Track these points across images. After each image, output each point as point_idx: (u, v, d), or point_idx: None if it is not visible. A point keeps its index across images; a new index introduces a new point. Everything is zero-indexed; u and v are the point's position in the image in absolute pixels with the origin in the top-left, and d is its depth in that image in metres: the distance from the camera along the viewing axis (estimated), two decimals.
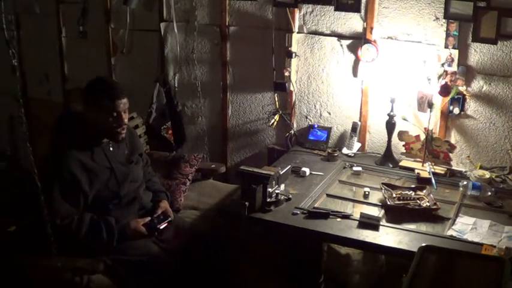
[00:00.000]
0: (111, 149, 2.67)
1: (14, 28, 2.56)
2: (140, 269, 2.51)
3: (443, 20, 3.06)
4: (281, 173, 2.75)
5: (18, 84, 2.46)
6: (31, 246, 2.55)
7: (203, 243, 2.81)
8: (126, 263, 2.51)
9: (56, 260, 2.41)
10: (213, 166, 3.52)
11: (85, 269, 2.47)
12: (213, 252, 2.82)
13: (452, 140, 3.19)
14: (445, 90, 3.00)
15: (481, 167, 3.10)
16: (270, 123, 3.55)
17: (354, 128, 3.36)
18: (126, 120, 2.61)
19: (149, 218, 2.68)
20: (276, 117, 3.54)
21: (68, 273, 2.47)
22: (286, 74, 3.48)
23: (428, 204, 2.66)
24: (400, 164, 3.17)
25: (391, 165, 3.17)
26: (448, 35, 3.06)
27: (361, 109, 3.39)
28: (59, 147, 2.57)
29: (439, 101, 3.10)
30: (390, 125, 3.16)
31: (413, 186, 2.85)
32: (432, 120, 3.09)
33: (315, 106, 3.54)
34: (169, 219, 2.74)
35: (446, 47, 3.07)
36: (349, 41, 3.34)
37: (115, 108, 2.54)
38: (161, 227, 2.67)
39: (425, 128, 3.08)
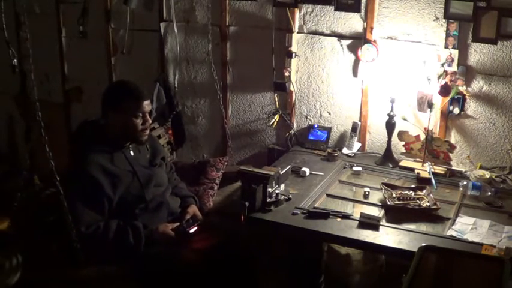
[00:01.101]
0: (131, 153, 2.65)
1: (27, 30, 2.54)
2: (170, 278, 2.45)
3: (443, 20, 3.06)
4: (281, 173, 2.74)
5: (33, 86, 2.43)
6: (61, 259, 2.48)
7: (236, 244, 2.76)
8: (153, 270, 2.45)
9: (85, 270, 2.37)
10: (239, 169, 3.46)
11: (114, 276, 2.42)
12: (246, 253, 2.77)
13: (452, 140, 3.19)
14: (445, 90, 3.00)
15: (481, 167, 3.10)
16: (270, 123, 3.55)
17: (354, 128, 3.36)
18: (149, 122, 2.63)
19: (178, 224, 2.63)
20: (276, 117, 3.54)
21: (97, 282, 2.41)
22: (286, 74, 3.48)
23: (428, 204, 2.66)
24: (400, 164, 3.17)
25: (391, 165, 3.17)
26: (448, 35, 3.06)
27: (361, 109, 3.39)
28: (79, 154, 2.54)
29: (439, 101, 3.10)
30: (390, 125, 3.16)
31: (413, 186, 2.85)
32: (432, 120, 3.09)
33: (315, 106, 3.54)
34: (199, 221, 2.69)
35: (446, 47, 3.07)
36: (349, 41, 3.34)
37: (141, 109, 2.57)
38: (191, 231, 2.61)
39: (425, 128, 3.08)
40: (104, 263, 2.44)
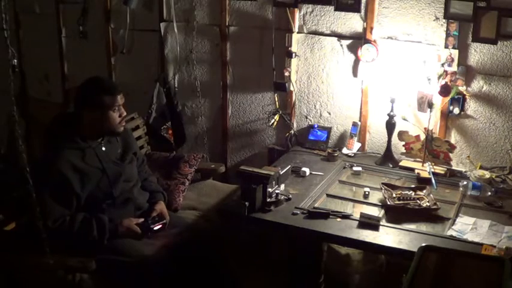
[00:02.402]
0: (103, 148, 2.71)
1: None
2: (131, 270, 2.51)
3: (443, 20, 3.06)
4: (281, 173, 2.74)
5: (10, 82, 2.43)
6: (25, 245, 2.56)
7: (203, 242, 2.81)
8: (117, 263, 2.52)
9: (48, 258, 2.43)
10: (212, 166, 3.52)
11: (77, 267, 2.48)
12: (213, 252, 2.82)
13: (452, 140, 3.19)
14: (445, 90, 3.00)
15: (481, 167, 3.10)
16: (270, 123, 3.55)
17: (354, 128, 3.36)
18: (124, 114, 2.70)
19: (143, 219, 2.69)
20: (276, 117, 3.54)
21: (60, 271, 2.49)
22: (286, 74, 3.48)
23: (428, 204, 2.66)
24: (400, 164, 3.17)
25: (391, 165, 3.17)
26: (448, 35, 3.06)
27: (361, 109, 3.39)
28: (51, 148, 2.61)
29: (439, 101, 3.10)
30: (390, 125, 3.16)
31: (413, 186, 2.85)
32: (432, 120, 3.09)
33: (315, 106, 3.54)
34: (164, 221, 2.74)
35: (446, 47, 3.07)
36: (349, 41, 3.34)
37: (117, 102, 2.64)
38: (155, 228, 2.67)
39: (425, 128, 3.08)
40: (68, 253, 2.51)
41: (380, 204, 2.72)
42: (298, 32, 3.46)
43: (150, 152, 3.47)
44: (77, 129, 2.65)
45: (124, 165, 2.77)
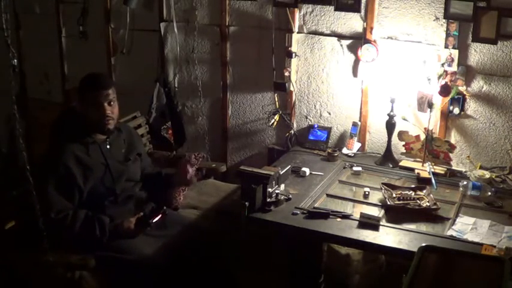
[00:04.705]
0: (108, 146, 2.73)
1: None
2: (130, 268, 2.52)
3: (443, 20, 3.06)
4: (281, 173, 2.74)
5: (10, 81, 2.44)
6: (26, 243, 2.58)
7: (202, 241, 2.81)
8: (117, 261, 2.53)
9: (48, 255, 2.45)
10: (213, 165, 3.51)
11: (77, 264, 2.50)
12: (214, 251, 2.81)
13: (452, 140, 3.19)
14: (445, 90, 3.00)
15: (481, 167, 3.10)
16: (270, 123, 3.55)
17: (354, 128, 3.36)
18: (109, 112, 2.66)
19: (142, 214, 2.69)
20: (276, 117, 3.53)
21: (60, 268, 2.50)
22: (286, 74, 3.48)
23: (428, 204, 2.66)
24: (400, 164, 3.17)
25: (391, 165, 3.17)
26: (448, 35, 3.06)
27: (361, 109, 3.39)
28: (56, 142, 2.64)
29: (439, 101, 3.10)
30: (390, 125, 3.16)
31: (413, 186, 2.85)
32: (432, 120, 3.09)
33: (315, 106, 3.54)
34: (163, 209, 2.73)
35: (446, 47, 3.07)
36: (349, 41, 3.34)
37: (96, 98, 2.62)
38: (153, 221, 2.66)
39: (425, 128, 3.08)
40: (68, 251, 2.53)
41: (380, 204, 2.72)
42: (298, 32, 3.46)
43: (152, 151, 3.48)
44: (81, 124, 2.68)
45: (128, 164, 2.78)
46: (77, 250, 2.54)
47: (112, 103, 2.67)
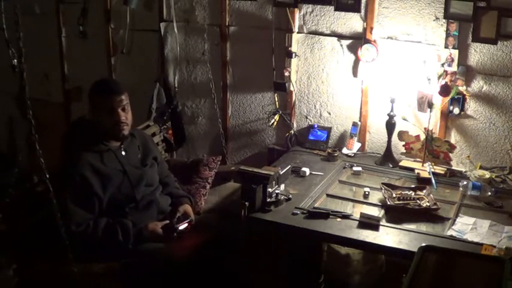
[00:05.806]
0: (123, 153, 2.68)
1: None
2: (156, 273, 2.47)
3: (443, 20, 3.06)
4: (281, 173, 2.75)
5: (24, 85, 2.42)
6: (48, 254, 2.53)
7: (225, 244, 2.78)
8: (142, 266, 2.48)
9: (73, 266, 2.39)
10: (232, 168, 3.48)
11: (102, 273, 2.45)
12: (232, 254, 2.79)
13: (452, 140, 3.19)
14: (445, 90, 3.00)
15: (481, 167, 3.10)
16: (270, 123, 3.55)
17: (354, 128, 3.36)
18: (123, 117, 2.61)
19: (168, 221, 2.64)
20: (276, 117, 3.53)
21: (85, 279, 2.45)
22: (286, 74, 3.48)
23: (428, 204, 2.66)
24: (400, 164, 3.17)
25: (391, 165, 3.17)
26: (448, 35, 3.06)
27: (361, 109, 3.39)
28: (70, 153, 2.58)
29: (439, 101, 3.10)
30: (390, 125, 3.16)
31: (413, 186, 2.85)
32: (432, 120, 3.09)
33: (315, 106, 3.54)
34: (190, 219, 2.70)
35: (446, 47, 3.07)
36: (349, 41, 3.34)
37: (108, 104, 2.58)
38: (180, 227, 2.61)
39: (425, 128, 3.08)
40: (92, 260, 2.48)
41: (380, 204, 2.72)
42: (298, 32, 3.46)
43: (168, 159, 3.44)
44: (94, 132, 2.63)
45: (145, 169, 2.72)
46: (101, 259, 2.48)
47: (126, 109, 2.62)
